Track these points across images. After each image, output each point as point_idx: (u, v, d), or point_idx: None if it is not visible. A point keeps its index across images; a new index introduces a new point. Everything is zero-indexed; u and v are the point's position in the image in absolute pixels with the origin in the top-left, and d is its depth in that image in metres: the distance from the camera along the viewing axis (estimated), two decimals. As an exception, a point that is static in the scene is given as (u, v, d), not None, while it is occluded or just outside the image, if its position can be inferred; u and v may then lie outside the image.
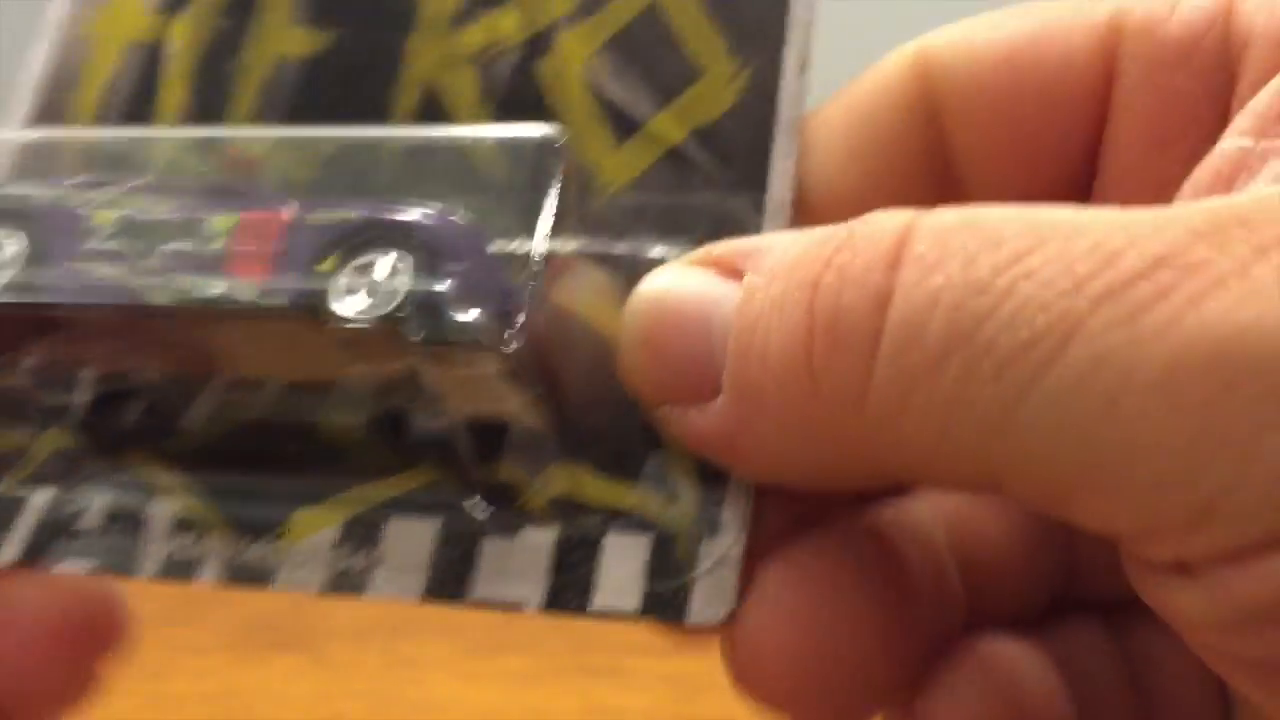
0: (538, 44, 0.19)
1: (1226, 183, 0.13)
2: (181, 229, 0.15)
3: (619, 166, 0.18)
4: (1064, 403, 0.11)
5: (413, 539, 0.16)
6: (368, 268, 0.14)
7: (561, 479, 0.16)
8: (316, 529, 0.17)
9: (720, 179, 0.17)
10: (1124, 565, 0.13)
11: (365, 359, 0.15)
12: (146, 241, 0.15)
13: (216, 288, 0.14)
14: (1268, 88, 0.14)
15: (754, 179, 0.17)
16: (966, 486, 0.15)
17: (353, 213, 0.15)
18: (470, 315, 0.14)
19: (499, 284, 0.14)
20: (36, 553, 0.17)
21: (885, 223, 0.13)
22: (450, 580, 0.16)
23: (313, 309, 0.14)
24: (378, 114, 0.19)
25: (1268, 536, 0.11)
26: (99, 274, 0.15)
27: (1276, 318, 0.11)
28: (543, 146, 0.15)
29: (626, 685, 0.37)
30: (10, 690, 0.15)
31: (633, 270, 0.17)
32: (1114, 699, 0.17)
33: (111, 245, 0.15)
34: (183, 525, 0.17)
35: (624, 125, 0.18)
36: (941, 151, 0.17)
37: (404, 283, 0.14)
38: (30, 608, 0.15)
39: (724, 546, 0.15)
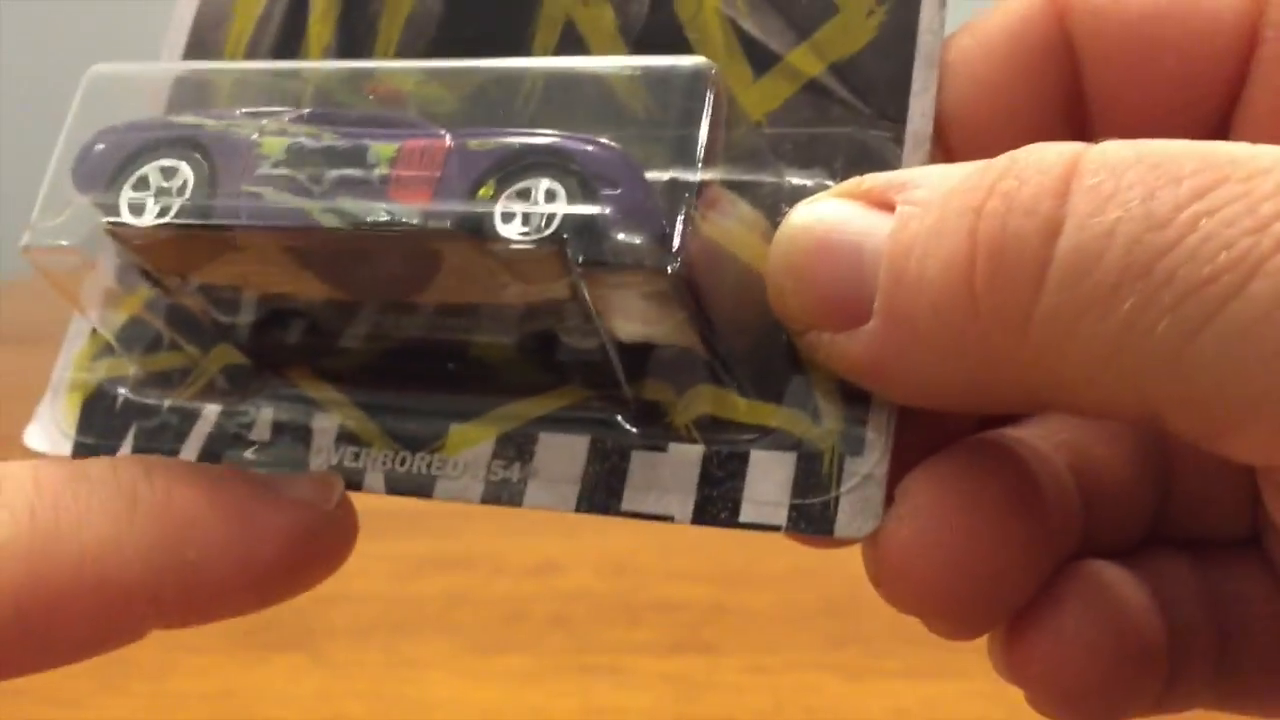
0: None
1: None
2: (346, 156, 0.16)
3: (758, 99, 0.18)
4: (1241, 338, 0.12)
5: (564, 453, 0.17)
6: (527, 192, 0.15)
7: (707, 399, 0.17)
8: (472, 443, 0.17)
9: (859, 112, 0.18)
10: (1269, 500, 0.13)
11: (523, 280, 0.16)
12: (314, 168, 0.16)
13: (382, 212, 0.15)
14: None
15: (893, 112, 0.17)
16: (1121, 415, 0.15)
17: (512, 139, 0.15)
18: (629, 238, 0.15)
19: (654, 209, 0.15)
20: (211, 459, 0.18)
21: (1052, 152, 0.14)
22: (601, 492, 0.16)
23: (476, 230, 0.15)
24: (518, 49, 0.19)
25: None
26: (270, 198, 0.16)
27: None
28: (695, 78, 0.16)
29: (626, 685, 0.37)
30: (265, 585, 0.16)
31: (774, 200, 0.17)
32: (1200, 631, 0.18)
33: (281, 171, 0.16)
34: (346, 437, 0.18)
35: (762, 59, 0.18)
36: (1078, 93, 0.17)
37: (563, 206, 0.15)
38: (281, 522, 0.16)
39: (869, 465, 0.16)
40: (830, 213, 0.15)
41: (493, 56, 0.19)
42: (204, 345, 0.18)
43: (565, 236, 0.15)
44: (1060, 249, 0.13)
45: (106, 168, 0.16)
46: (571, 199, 0.15)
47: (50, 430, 0.20)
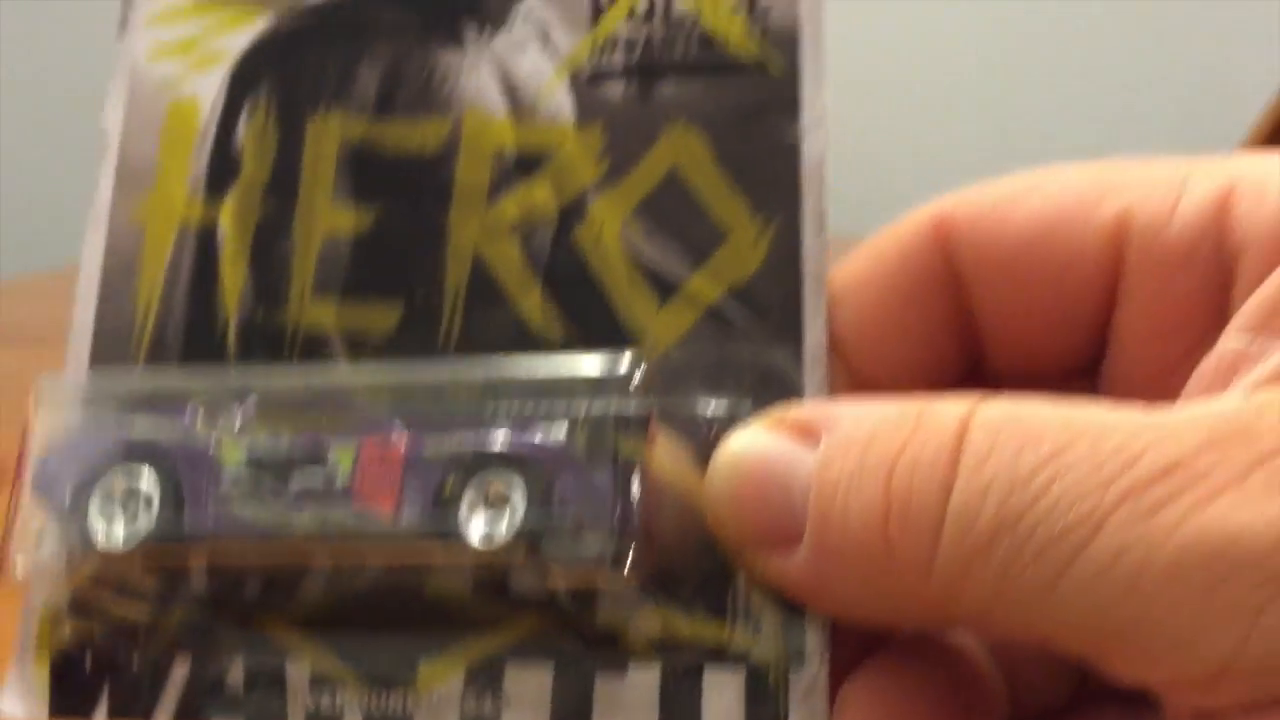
0: (571, 213, 0.21)
1: (1225, 379, 0.16)
2: (308, 461, 0.17)
3: (664, 328, 0.20)
4: (1093, 584, 0.14)
5: (532, 683, 0.19)
6: (485, 494, 0.17)
7: (656, 620, 0.19)
8: (443, 679, 0.19)
9: (758, 334, 0.19)
10: (1162, 711, 0.16)
11: (482, 563, 0.17)
12: (277, 476, 0.17)
13: (350, 520, 0.17)
14: (1258, 292, 0.16)
15: (790, 333, 0.19)
16: (1019, 640, 0.17)
17: (466, 445, 0.17)
18: (584, 538, 0.16)
19: (608, 504, 0.16)
20: (190, 713, 0.20)
21: (948, 414, 0.16)
22: (572, 718, 0.18)
23: (443, 536, 0.16)
24: (432, 286, 0.21)
25: (1270, 697, 0.14)
26: (238, 511, 0.17)
27: (1265, 523, 0.14)
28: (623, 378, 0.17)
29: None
30: None
31: (693, 426, 0.19)
32: None
33: (245, 482, 0.17)
34: (319, 681, 0.19)
35: (663, 287, 0.20)
36: (966, 310, 0.19)
37: (520, 507, 0.16)
38: None
39: (810, 675, 0.18)
40: (760, 445, 0.17)
41: (406, 294, 0.21)
42: (156, 606, 0.19)
43: (523, 541, 0.16)
44: (951, 505, 0.15)
45: (67, 483, 0.17)
46: (529, 498, 0.16)
47: (25, 696, 0.20)
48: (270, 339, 0.21)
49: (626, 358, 0.18)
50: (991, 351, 0.20)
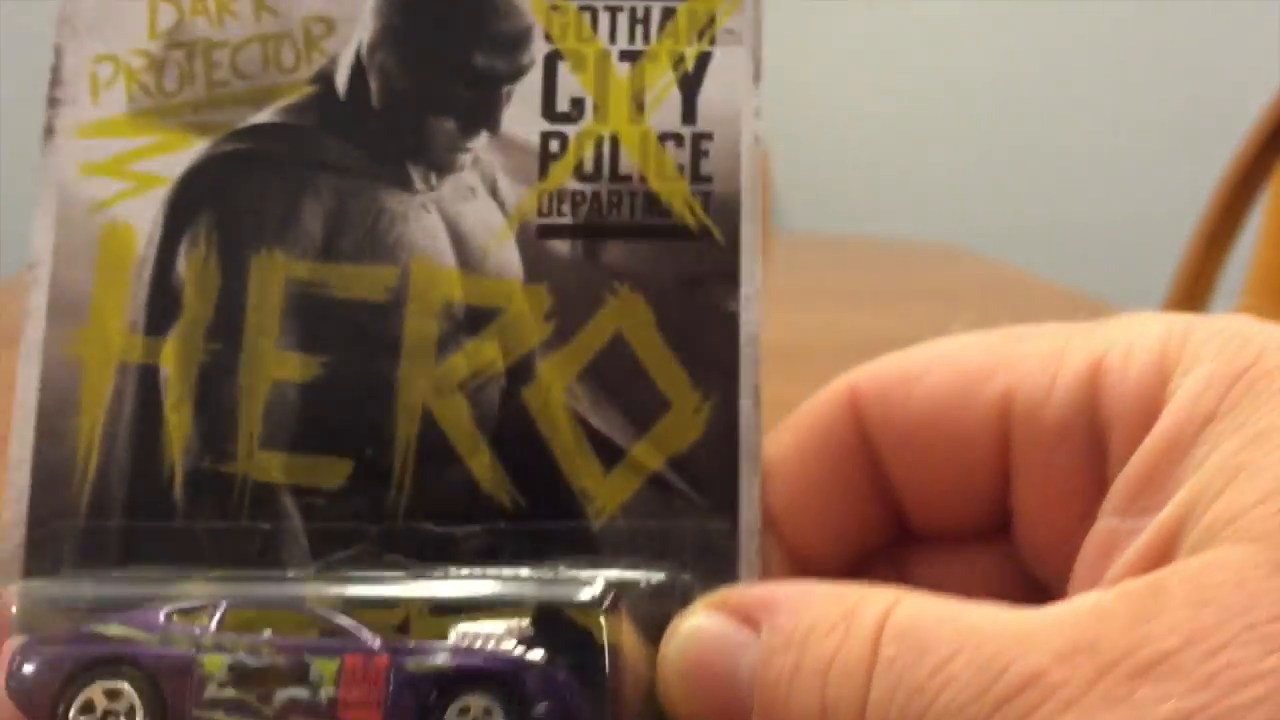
0: (519, 372, 0.21)
1: (1105, 559, 0.18)
2: (290, 675, 0.18)
3: (609, 493, 0.21)
4: None
5: None
6: (467, 708, 0.18)
7: None
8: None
9: (698, 503, 0.21)
10: None
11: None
12: (261, 688, 0.18)
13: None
14: (1124, 471, 0.18)
15: (727, 503, 0.21)
16: None
17: (446, 662, 0.18)
18: None
19: (581, 710, 0.18)
20: None
21: (867, 619, 0.17)
22: None
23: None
24: (382, 440, 0.21)
25: None
26: None
27: None
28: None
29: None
30: None
31: (638, 595, 0.20)
32: None
33: (229, 693, 0.18)
34: None
35: (609, 453, 0.21)
36: (882, 479, 0.21)
37: None
38: None
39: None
40: (707, 631, 0.19)
41: (356, 449, 0.21)
42: None
43: None
44: (869, 708, 0.17)
45: (46, 690, 0.18)
46: (508, 715, 0.18)
47: None
48: (218, 491, 0.21)
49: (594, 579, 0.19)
50: (912, 514, 0.22)
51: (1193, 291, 1.14)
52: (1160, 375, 0.18)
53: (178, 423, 0.21)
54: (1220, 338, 0.18)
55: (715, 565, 0.20)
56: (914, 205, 2.22)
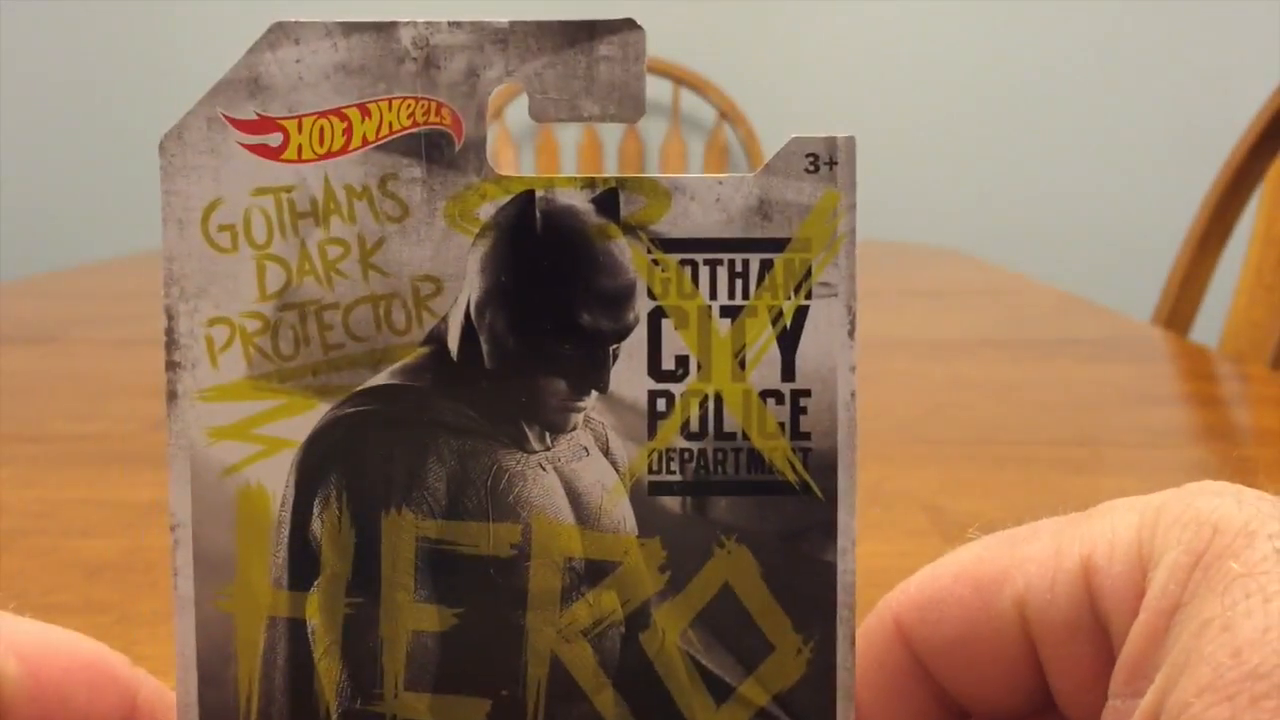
0: (636, 619, 0.24)
1: None
2: None
3: (720, 725, 0.24)
4: None
5: None
6: None
7: None
8: None
9: None
10: None
11: None
12: None
13: None
14: (1120, 660, 0.21)
15: None
16: None
17: None
18: None
19: None
20: None
21: None
22: None
23: None
24: (516, 681, 0.24)
25: None
26: None
27: None
28: None
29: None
30: None
31: None
32: None
33: None
34: None
35: (719, 691, 0.24)
36: (940, 690, 0.24)
37: None
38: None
39: None
40: None
41: (493, 690, 0.24)
42: None
43: None
44: None
45: None
46: None
47: None
48: None
49: None
50: (975, 712, 0.25)
51: (1185, 293, 1.13)
52: (1140, 567, 0.21)
53: (327, 669, 0.24)
54: (1180, 524, 0.20)
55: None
56: (910, 208, 2.17)
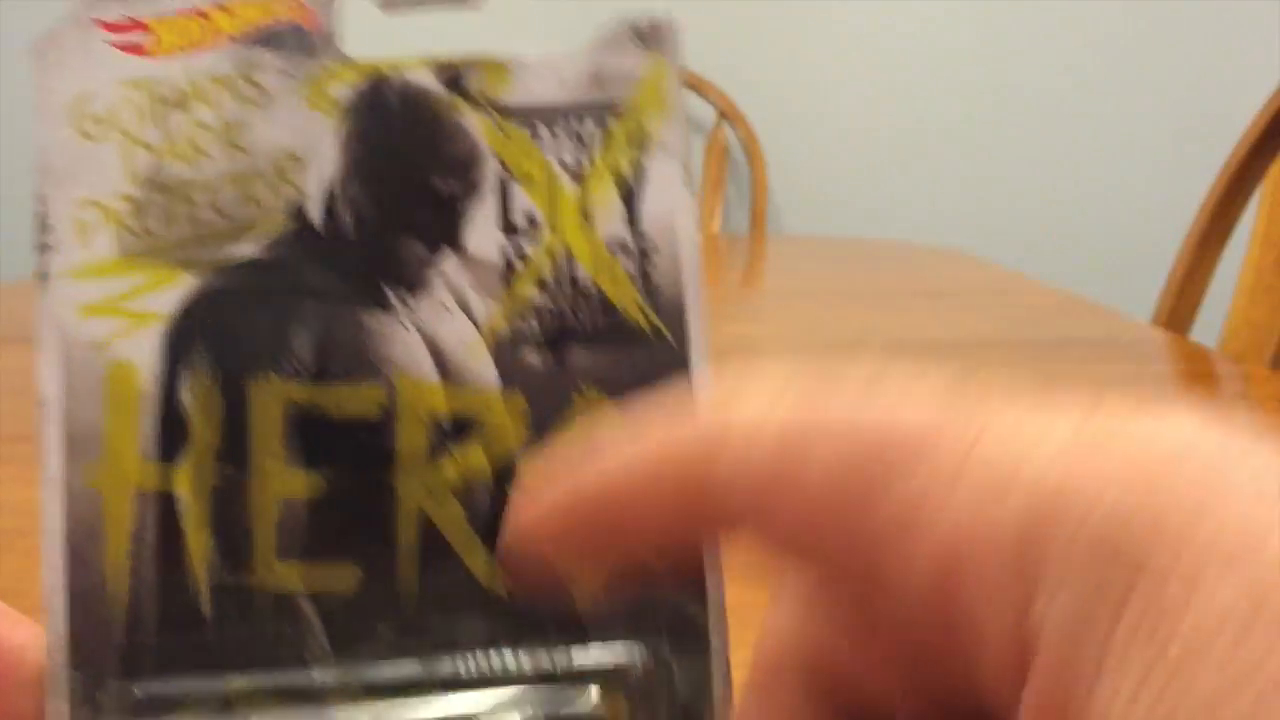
0: (504, 475, 0.24)
1: None
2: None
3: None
4: None
5: None
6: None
7: None
8: None
9: (669, 584, 0.24)
10: None
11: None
12: None
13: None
14: (1026, 708, 0.16)
15: (696, 591, 0.24)
16: None
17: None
18: None
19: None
20: None
21: None
22: None
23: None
24: (387, 547, 0.24)
25: None
26: None
27: None
28: None
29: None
30: None
31: (627, 682, 0.24)
32: None
33: None
34: None
35: None
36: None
37: None
38: None
39: None
40: None
41: (364, 555, 0.24)
42: None
43: None
44: None
45: None
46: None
47: None
48: (241, 602, 0.23)
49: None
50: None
51: (1185, 292, 1.16)
52: (1022, 593, 0.16)
53: (198, 542, 0.24)
54: (1085, 548, 0.15)
55: (689, 640, 0.24)
56: (910, 208, 2.22)
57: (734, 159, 2.17)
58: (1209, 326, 1.22)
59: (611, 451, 0.21)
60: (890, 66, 2.27)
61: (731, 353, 0.94)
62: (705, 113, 2.09)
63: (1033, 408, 0.17)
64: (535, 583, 0.23)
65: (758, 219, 2.14)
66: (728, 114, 2.09)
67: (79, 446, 0.24)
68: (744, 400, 0.19)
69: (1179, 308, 1.20)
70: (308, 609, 0.24)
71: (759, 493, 0.19)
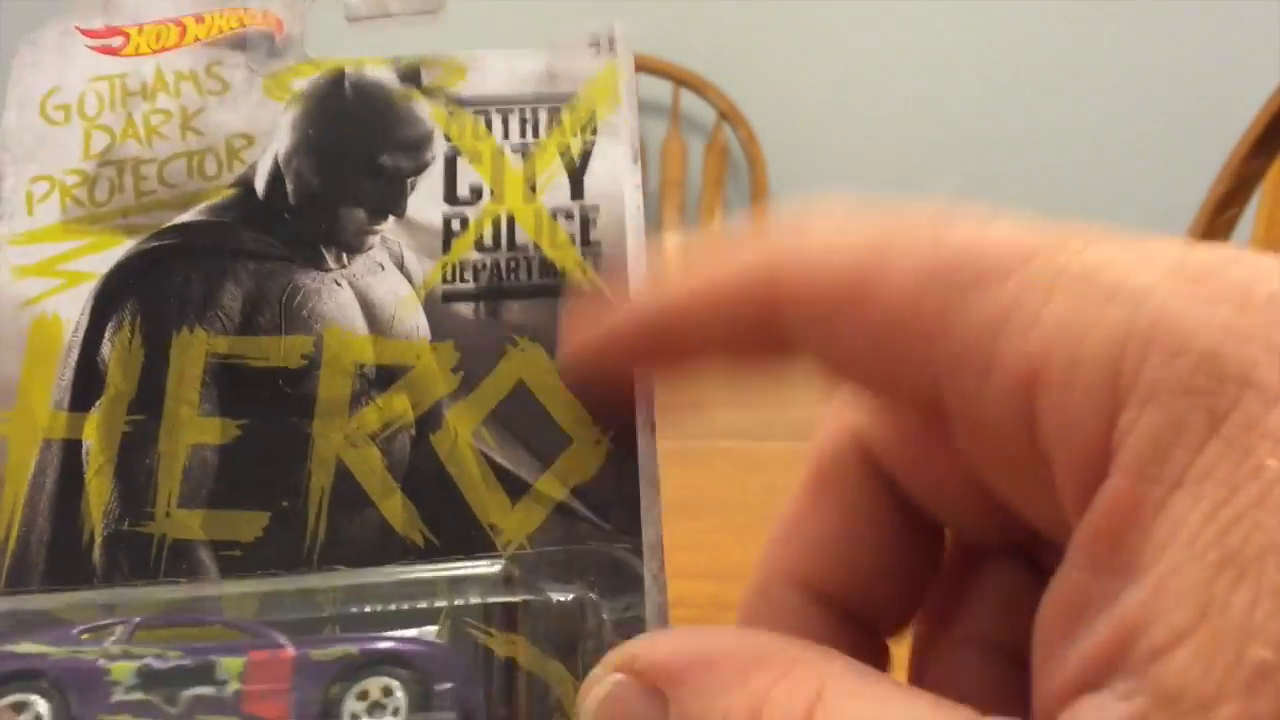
0: (428, 421, 0.22)
1: (1077, 620, 0.15)
2: (197, 674, 0.18)
3: (516, 525, 0.22)
4: None
5: None
6: (368, 694, 0.18)
7: None
8: None
9: (602, 527, 0.22)
10: None
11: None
12: (167, 689, 0.18)
13: (241, 723, 0.18)
14: (1083, 530, 0.15)
15: (630, 527, 0.22)
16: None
17: (353, 647, 0.18)
18: None
19: (480, 697, 0.18)
20: None
21: (797, 701, 0.16)
22: None
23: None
24: (298, 492, 0.22)
25: None
26: None
27: None
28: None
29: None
30: None
31: (548, 614, 0.21)
32: None
33: (136, 696, 0.18)
34: None
35: (514, 487, 0.22)
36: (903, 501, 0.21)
37: (402, 704, 0.18)
38: None
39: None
40: (616, 702, 0.18)
41: (273, 502, 0.22)
42: None
43: None
44: None
45: None
46: (408, 693, 0.18)
47: None
48: (136, 550, 0.22)
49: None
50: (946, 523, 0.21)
51: None
52: (1112, 402, 0.15)
53: (98, 489, 0.22)
54: (1189, 360, 0.14)
55: (621, 584, 0.21)
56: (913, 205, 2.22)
57: (734, 159, 2.11)
58: (1208, 326, 1.16)
59: (682, 269, 0.20)
60: (890, 67, 2.26)
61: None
62: (705, 113, 2.05)
63: (1132, 240, 0.16)
64: (594, 385, 0.21)
65: (757, 219, 2.04)
66: (728, 114, 2.02)
67: (-9, 396, 0.23)
68: (814, 220, 0.18)
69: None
70: (205, 556, 0.21)
71: (833, 307, 0.17)
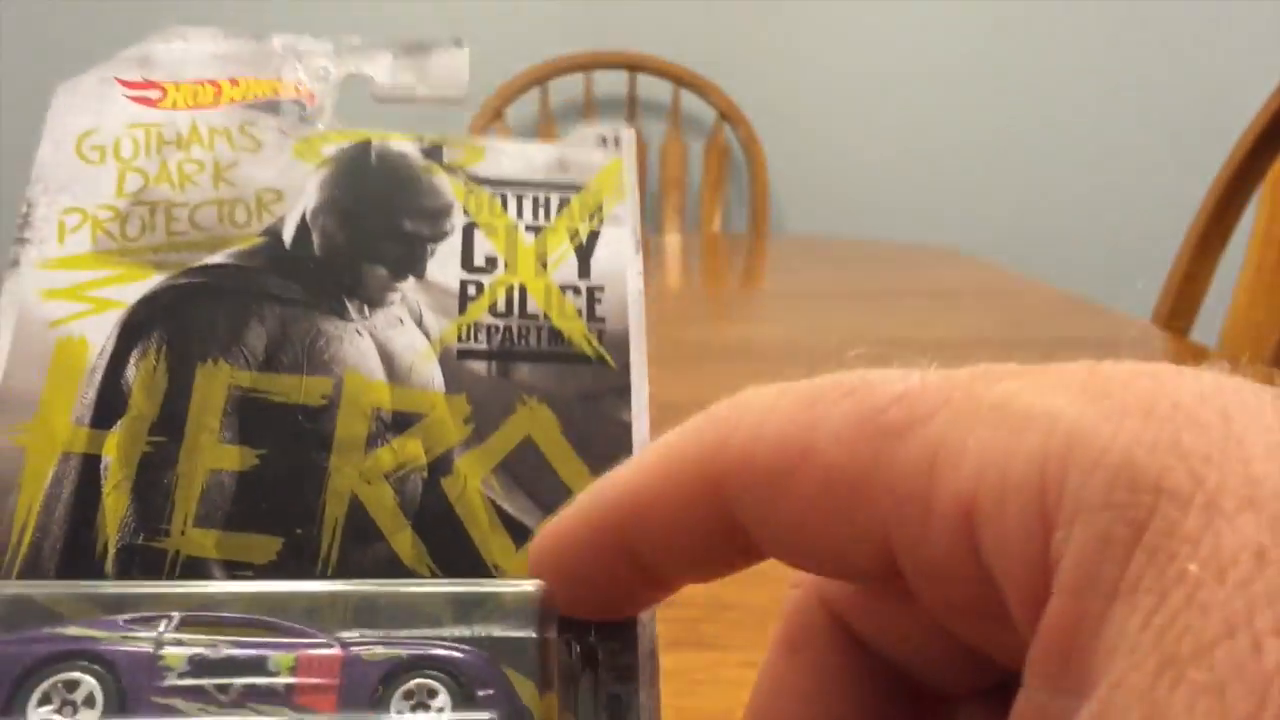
0: (439, 465, 0.24)
1: None
2: (249, 666, 0.19)
3: (519, 566, 0.23)
4: None
5: None
6: (411, 692, 0.19)
7: None
8: None
9: None
10: None
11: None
12: (219, 678, 0.19)
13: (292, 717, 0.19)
14: (1036, 648, 0.15)
15: None
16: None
17: (401, 650, 0.19)
18: None
19: (520, 709, 0.19)
20: None
21: None
22: None
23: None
24: (312, 521, 0.23)
25: None
26: (182, 708, 0.18)
27: None
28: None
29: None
30: None
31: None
32: None
33: (188, 682, 0.19)
34: None
35: (519, 532, 0.24)
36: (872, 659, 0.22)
37: (446, 705, 0.19)
38: None
39: None
40: None
41: (287, 528, 0.23)
42: None
43: None
44: None
45: (1, 685, 0.18)
46: (452, 697, 0.19)
47: None
48: (149, 562, 0.22)
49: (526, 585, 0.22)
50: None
51: (1185, 292, 1.16)
52: (1042, 525, 0.15)
53: (114, 503, 0.23)
54: (1104, 476, 0.15)
55: (613, 627, 0.23)
56: (910, 208, 2.18)
57: (734, 159, 2.10)
58: (1209, 326, 1.17)
59: (631, 465, 0.21)
60: (890, 67, 2.26)
61: (732, 353, 0.93)
62: (705, 113, 2.06)
63: (1038, 369, 0.17)
64: (562, 584, 0.22)
65: (758, 219, 2.06)
66: (728, 114, 2.03)
67: (12, 407, 0.24)
68: (746, 402, 0.19)
69: (1179, 307, 1.17)
70: (219, 574, 0.22)
71: (772, 479, 0.18)
